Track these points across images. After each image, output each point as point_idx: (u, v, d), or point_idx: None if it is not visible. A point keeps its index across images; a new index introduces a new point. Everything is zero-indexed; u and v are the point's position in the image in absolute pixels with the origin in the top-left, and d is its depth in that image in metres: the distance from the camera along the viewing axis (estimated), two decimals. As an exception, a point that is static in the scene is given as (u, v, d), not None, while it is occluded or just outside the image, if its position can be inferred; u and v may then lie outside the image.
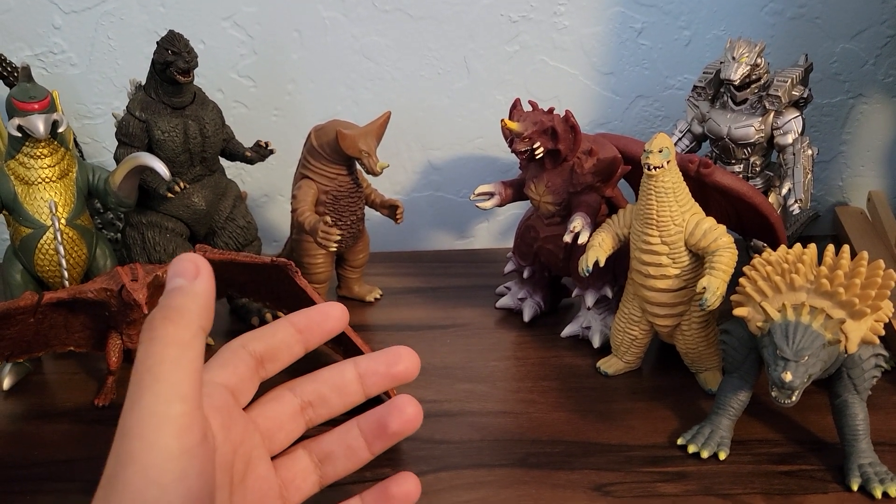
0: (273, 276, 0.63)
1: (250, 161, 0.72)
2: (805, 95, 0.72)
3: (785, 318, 0.52)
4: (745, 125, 0.71)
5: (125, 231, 0.70)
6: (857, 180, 0.91)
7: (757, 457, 0.58)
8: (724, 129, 0.72)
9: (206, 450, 0.32)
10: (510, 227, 0.91)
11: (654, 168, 0.57)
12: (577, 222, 0.65)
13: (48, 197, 0.63)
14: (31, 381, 0.67)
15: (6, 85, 0.76)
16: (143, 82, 0.68)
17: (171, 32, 0.64)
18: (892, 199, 0.90)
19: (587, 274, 0.63)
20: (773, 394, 0.52)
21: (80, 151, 0.81)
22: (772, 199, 0.73)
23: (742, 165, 0.73)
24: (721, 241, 0.59)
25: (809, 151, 0.71)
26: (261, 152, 0.72)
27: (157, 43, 0.64)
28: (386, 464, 0.55)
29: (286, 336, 0.39)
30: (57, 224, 0.63)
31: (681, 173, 0.60)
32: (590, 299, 0.69)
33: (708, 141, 0.75)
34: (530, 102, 0.68)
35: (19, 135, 0.61)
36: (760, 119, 0.71)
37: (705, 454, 0.57)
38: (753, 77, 0.70)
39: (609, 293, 0.69)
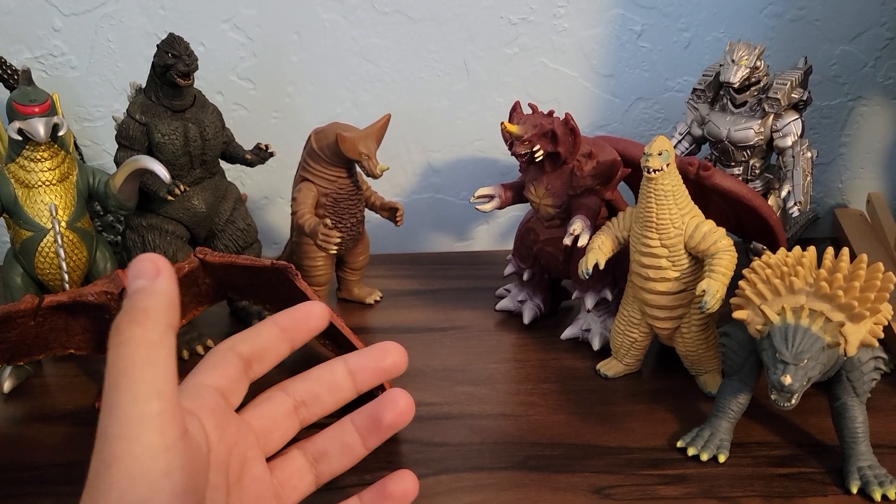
0: (273, 278, 0.63)
1: (250, 164, 0.72)
2: (804, 98, 0.72)
3: (784, 321, 0.52)
4: (745, 128, 0.71)
5: (125, 234, 0.70)
6: (857, 182, 0.91)
7: (756, 459, 0.58)
8: (723, 131, 0.72)
9: (189, 444, 0.32)
10: (510, 229, 0.91)
11: (654, 171, 0.57)
12: (577, 225, 0.65)
13: (48, 200, 0.63)
14: (31, 384, 0.67)
15: (6, 88, 0.76)
16: (144, 85, 0.68)
17: (171, 35, 0.64)
18: (892, 201, 0.90)
19: (587, 276, 0.63)
20: (773, 397, 0.52)
21: (80, 154, 0.81)
22: (771, 201, 0.73)
23: (741, 168, 0.73)
24: (720, 243, 0.59)
25: (809, 154, 0.71)
26: (261, 155, 0.72)
27: (158, 46, 0.64)
28: (385, 466, 0.55)
29: (271, 336, 0.39)
30: (57, 227, 0.63)
31: (680, 176, 0.60)
32: (590, 302, 0.70)
33: (707, 143, 0.75)
34: (530, 105, 0.68)
35: (20, 138, 0.61)
36: (760, 121, 0.71)
37: (705, 457, 0.57)
38: (753, 80, 0.70)
39: (609, 296, 0.70)
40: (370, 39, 0.83)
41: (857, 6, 0.82)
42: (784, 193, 0.70)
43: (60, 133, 0.62)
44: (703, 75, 0.74)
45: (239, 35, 0.82)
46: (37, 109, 0.61)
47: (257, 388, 0.40)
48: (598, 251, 0.63)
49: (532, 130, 0.65)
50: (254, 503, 0.37)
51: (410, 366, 0.67)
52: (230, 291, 0.69)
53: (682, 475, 0.56)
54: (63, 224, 0.63)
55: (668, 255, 0.60)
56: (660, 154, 0.57)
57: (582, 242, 0.64)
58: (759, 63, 0.69)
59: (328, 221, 0.69)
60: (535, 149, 0.65)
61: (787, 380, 0.50)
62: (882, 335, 0.54)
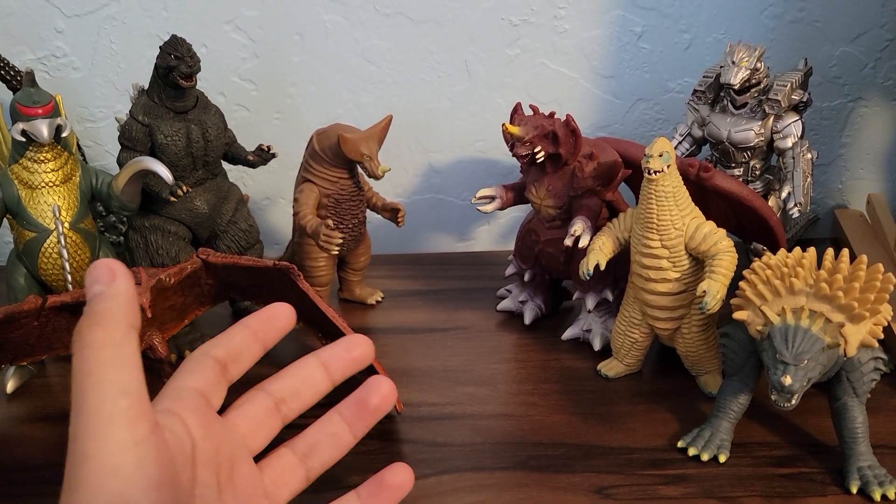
0: (275, 279, 0.63)
1: (252, 165, 0.72)
2: (805, 99, 0.72)
3: (784, 322, 0.52)
4: (745, 129, 0.71)
5: (128, 234, 0.71)
6: (857, 183, 0.91)
7: (757, 459, 0.58)
8: (724, 132, 0.72)
9: (162, 438, 0.33)
10: (511, 229, 0.92)
11: (655, 172, 0.58)
12: (578, 226, 0.65)
13: (52, 201, 0.63)
14: (34, 384, 0.67)
15: (9, 89, 0.76)
16: (146, 86, 0.68)
17: (173, 37, 0.65)
18: (892, 201, 0.90)
19: (588, 277, 0.63)
20: (773, 397, 0.52)
21: (83, 155, 0.81)
22: (771, 202, 0.73)
23: (742, 169, 0.73)
24: (721, 244, 0.59)
25: (809, 155, 0.71)
26: (263, 156, 0.72)
27: (160, 48, 0.64)
28: (386, 466, 0.56)
29: (243, 338, 0.40)
30: (60, 228, 0.63)
31: (681, 177, 0.60)
32: (590, 302, 0.70)
33: (708, 144, 0.75)
34: (531, 107, 0.68)
35: (23, 139, 0.61)
36: (760, 123, 0.71)
37: (705, 457, 0.57)
38: (753, 81, 0.70)
39: (610, 296, 0.70)
40: (372, 41, 0.83)
41: (857, 8, 0.82)
42: (784, 194, 0.70)
43: (64, 134, 0.62)
44: (704, 77, 0.74)
45: (241, 36, 0.82)
46: (40, 111, 0.61)
47: (235, 393, 0.41)
48: (599, 252, 0.63)
49: (533, 132, 0.65)
50: (247, 500, 0.38)
51: (412, 366, 0.69)
52: (232, 292, 0.69)
53: (682, 475, 0.57)
54: (66, 225, 0.64)
55: (668, 256, 0.60)
56: (660, 155, 0.57)
57: (583, 243, 0.65)
58: (759, 65, 0.69)
59: (330, 222, 0.69)
60: (536, 150, 0.66)
61: (788, 380, 0.51)
62: (882, 336, 0.55)
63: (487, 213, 0.72)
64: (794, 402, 0.52)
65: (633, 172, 0.67)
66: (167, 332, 0.66)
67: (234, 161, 0.72)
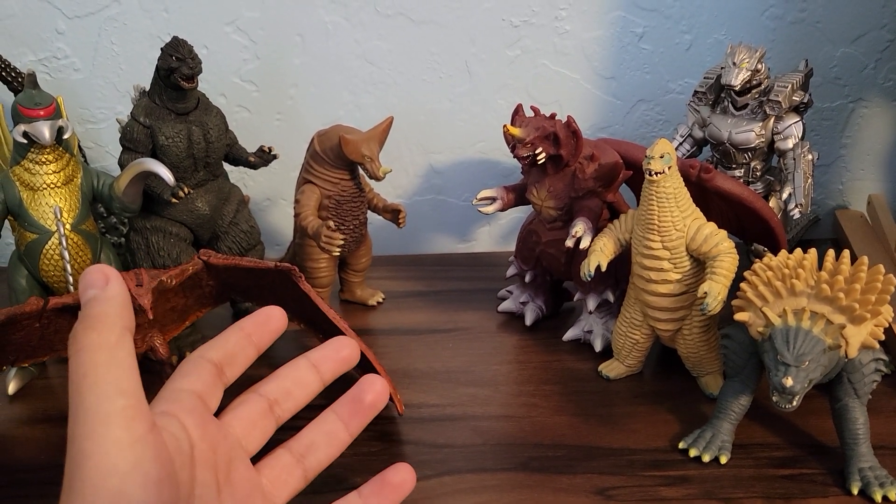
0: (277, 280, 0.63)
1: (254, 166, 0.72)
2: (805, 100, 0.72)
3: (785, 324, 0.52)
4: (746, 130, 0.71)
5: (129, 236, 0.71)
6: (858, 184, 0.91)
7: (758, 461, 0.58)
8: (724, 133, 0.72)
9: (159, 437, 0.33)
10: (512, 230, 0.92)
11: (656, 173, 0.58)
12: (579, 227, 0.65)
13: (53, 202, 0.63)
14: (35, 386, 0.67)
15: (11, 91, 0.76)
16: (147, 88, 0.68)
17: (175, 39, 0.65)
18: (892, 202, 0.90)
19: (589, 278, 0.63)
20: (774, 399, 0.52)
21: (84, 156, 0.81)
22: (772, 203, 0.73)
23: (743, 170, 0.74)
24: (722, 246, 0.59)
25: (810, 156, 0.71)
26: (264, 157, 0.72)
27: (162, 49, 0.64)
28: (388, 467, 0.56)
29: (238, 341, 0.41)
30: (62, 229, 0.63)
31: (682, 178, 0.60)
32: (591, 303, 0.70)
33: (709, 145, 0.75)
34: (532, 108, 0.68)
35: (25, 141, 0.61)
36: (761, 124, 0.71)
37: (707, 458, 0.57)
38: (754, 82, 0.70)
39: (611, 297, 0.70)
40: (372, 42, 0.83)
41: (857, 8, 0.82)
42: (785, 196, 0.70)
43: (65, 136, 0.63)
44: (705, 78, 0.74)
45: (242, 37, 0.82)
46: (42, 113, 0.61)
47: (230, 397, 0.41)
48: (600, 253, 0.63)
49: (534, 133, 0.65)
50: (245, 500, 0.38)
51: (413, 367, 0.69)
52: (233, 293, 0.69)
53: (683, 476, 0.57)
54: (68, 226, 0.64)
55: (669, 258, 0.61)
56: (661, 157, 0.58)
57: (584, 244, 0.65)
58: (760, 66, 0.69)
59: (331, 223, 0.69)
60: (537, 151, 0.66)
61: (789, 382, 0.51)
62: (883, 337, 0.55)
63: (488, 214, 0.72)
64: (795, 403, 0.52)
65: (634, 174, 0.67)
66: (168, 333, 0.66)
67: (235, 162, 0.72)
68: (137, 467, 0.31)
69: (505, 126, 0.66)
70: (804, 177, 0.70)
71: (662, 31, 0.83)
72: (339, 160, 0.70)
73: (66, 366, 0.69)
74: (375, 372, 0.61)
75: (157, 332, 0.64)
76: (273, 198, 0.90)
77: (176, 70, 0.64)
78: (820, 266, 0.58)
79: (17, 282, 0.65)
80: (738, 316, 0.56)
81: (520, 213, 0.86)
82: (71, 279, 0.64)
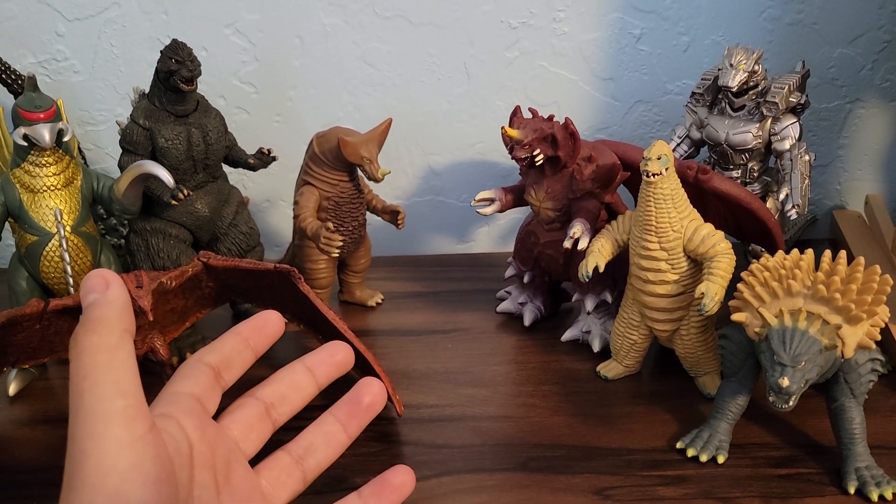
0: (276, 282, 0.64)
1: (253, 168, 0.73)
2: (802, 101, 0.72)
3: (782, 324, 0.53)
4: (743, 131, 0.72)
5: (129, 238, 0.71)
6: (855, 184, 0.92)
7: (755, 460, 0.58)
8: (722, 134, 0.72)
9: (158, 437, 0.33)
10: (510, 231, 0.92)
11: (653, 175, 0.58)
12: (577, 228, 0.65)
13: (53, 205, 0.63)
14: (36, 387, 0.68)
15: (11, 93, 0.76)
16: (147, 90, 0.68)
17: (174, 41, 0.65)
18: (890, 202, 0.91)
19: (587, 279, 0.63)
20: (771, 399, 0.52)
21: (84, 158, 0.81)
22: (770, 204, 0.73)
23: (740, 171, 0.74)
24: (719, 246, 0.60)
25: (807, 157, 0.71)
26: (263, 159, 0.72)
27: (161, 52, 0.65)
28: (389, 468, 0.56)
29: (235, 345, 0.42)
30: (62, 231, 0.63)
31: (679, 180, 0.60)
32: (590, 304, 0.70)
33: (706, 147, 0.76)
34: (530, 110, 0.68)
35: (25, 143, 0.62)
36: (758, 125, 0.71)
37: (704, 458, 0.58)
38: (751, 84, 0.70)
39: (609, 298, 0.70)
40: (371, 44, 0.83)
41: (854, 9, 0.82)
42: (782, 196, 0.70)
43: (65, 138, 0.63)
44: (702, 79, 0.74)
45: (241, 39, 0.82)
46: (42, 115, 0.61)
47: (227, 401, 0.41)
48: (598, 254, 0.63)
49: (532, 135, 0.66)
50: (244, 501, 0.38)
51: (412, 368, 0.69)
52: (233, 294, 0.69)
53: (681, 476, 0.57)
54: (68, 228, 0.64)
55: (667, 258, 0.61)
56: (659, 158, 0.58)
57: (582, 245, 0.65)
58: (757, 67, 0.70)
59: (330, 225, 0.69)
60: (535, 153, 0.66)
61: (785, 382, 0.51)
62: (879, 337, 0.55)
63: (487, 215, 0.72)
64: (791, 403, 0.52)
65: (632, 175, 0.68)
66: (168, 334, 0.66)
67: (234, 164, 0.73)
68: (137, 466, 0.32)
69: (503, 128, 0.66)
70: (801, 177, 0.70)
71: (660, 32, 0.83)
72: (338, 162, 0.70)
73: (66, 367, 0.69)
74: (375, 373, 0.61)
75: (158, 334, 0.64)
76: (272, 199, 0.91)
77: (175, 72, 0.64)
78: (817, 267, 0.58)
79: (17, 283, 0.66)
80: (735, 316, 0.57)
81: (518, 214, 0.87)
82: (71, 281, 0.64)
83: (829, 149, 0.89)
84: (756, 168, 0.74)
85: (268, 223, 0.91)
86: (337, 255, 0.70)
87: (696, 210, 0.62)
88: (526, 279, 0.74)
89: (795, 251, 0.59)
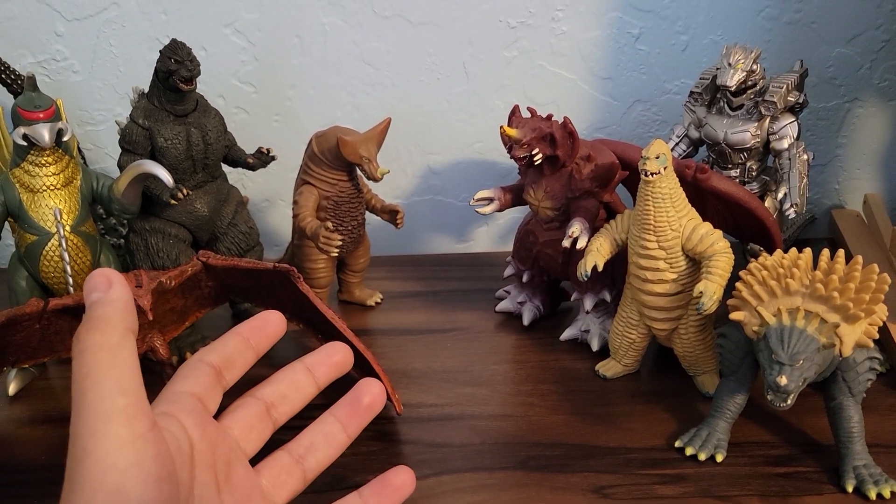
0: (275, 281, 0.64)
1: (252, 167, 0.73)
2: (800, 101, 0.73)
3: (780, 323, 0.53)
4: (742, 130, 0.72)
5: (129, 237, 0.71)
6: (854, 183, 0.92)
7: (753, 459, 0.58)
8: (720, 134, 0.72)
9: (159, 435, 0.33)
10: (510, 230, 0.92)
11: (651, 174, 0.58)
12: (576, 227, 0.65)
13: (53, 204, 0.64)
14: (36, 387, 0.68)
15: (10, 93, 0.76)
16: (146, 90, 0.68)
17: (173, 41, 0.65)
18: (888, 201, 0.91)
19: (586, 278, 0.63)
20: (769, 397, 0.52)
21: (83, 158, 0.81)
22: (768, 203, 0.73)
23: (738, 170, 0.74)
24: (717, 245, 0.60)
25: (805, 156, 0.71)
26: (262, 159, 0.73)
27: (160, 52, 0.65)
28: (388, 467, 0.56)
29: (236, 344, 0.42)
30: (62, 231, 0.64)
31: (678, 179, 0.60)
32: (588, 303, 0.70)
33: (705, 146, 0.76)
34: (529, 109, 0.68)
35: (25, 143, 0.62)
36: (756, 124, 0.72)
37: (703, 456, 0.58)
38: (749, 83, 0.70)
39: (607, 297, 0.70)
40: (370, 43, 0.83)
41: (853, 9, 0.83)
42: (780, 196, 0.70)
43: (65, 138, 0.63)
44: (700, 78, 0.74)
45: (240, 39, 0.82)
46: (41, 115, 0.61)
47: (227, 401, 0.41)
48: (597, 253, 0.63)
49: (531, 134, 0.66)
50: (245, 500, 0.38)
51: (411, 367, 0.69)
52: (232, 294, 0.70)
53: (680, 475, 0.57)
54: (67, 228, 0.64)
55: (665, 258, 0.61)
56: (657, 157, 0.58)
57: (580, 245, 0.65)
58: (755, 67, 0.70)
59: (329, 224, 0.69)
60: (533, 152, 0.66)
61: (783, 380, 0.51)
62: (877, 336, 0.55)
63: (486, 214, 0.72)
64: (789, 402, 0.52)
65: (631, 174, 0.68)
66: (168, 334, 0.66)
67: (233, 164, 0.73)
68: (137, 464, 0.32)
69: (502, 127, 0.67)
70: (799, 177, 0.70)
71: (659, 31, 0.84)
72: (338, 161, 0.71)
73: (66, 367, 0.69)
74: (374, 372, 0.61)
75: (157, 333, 0.64)
76: (272, 199, 0.91)
77: (174, 72, 0.64)
78: (815, 266, 0.58)
79: (17, 283, 0.66)
80: (734, 315, 0.57)
81: (517, 214, 0.87)
82: (71, 280, 0.64)
83: (827, 148, 0.89)
84: (754, 167, 0.74)
85: (267, 223, 0.91)
86: (336, 254, 0.70)
87: (694, 209, 0.62)
88: (525, 278, 0.74)
89: (793, 250, 0.59)
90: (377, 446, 0.60)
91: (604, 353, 0.70)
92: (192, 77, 0.65)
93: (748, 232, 0.71)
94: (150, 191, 0.67)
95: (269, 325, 0.43)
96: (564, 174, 0.68)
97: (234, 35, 0.82)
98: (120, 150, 0.68)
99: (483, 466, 0.58)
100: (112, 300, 0.35)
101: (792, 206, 0.69)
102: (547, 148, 0.66)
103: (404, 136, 0.87)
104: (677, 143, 0.77)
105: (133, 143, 0.67)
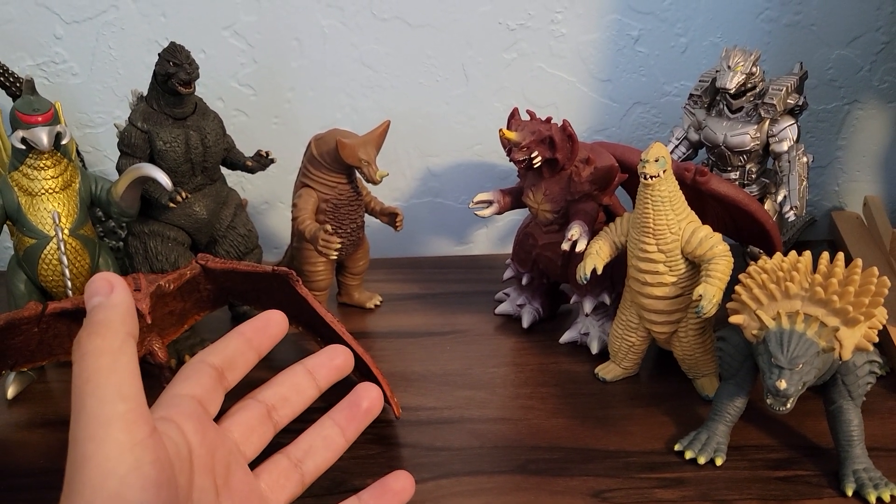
0: (274, 284, 0.64)
1: (251, 170, 0.73)
2: (800, 103, 0.72)
3: (780, 326, 0.53)
4: (741, 133, 0.72)
5: (127, 240, 0.71)
6: (853, 185, 0.92)
7: (753, 462, 0.58)
8: (720, 136, 0.72)
9: (159, 441, 0.33)
10: (509, 233, 0.92)
11: (651, 177, 0.58)
12: (575, 230, 0.65)
13: (51, 208, 0.64)
14: (34, 390, 0.68)
15: (9, 96, 0.76)
16: (145, 93, 0.68)
17: (172, 44, 0.65)
18: (888, 203, 0.91)
19: (585, 281, 0.63)
20: (769, 401, 0.52)
21: (82, 160, 0.81)
22: (768, 206, 0.73)
23: (738, 173, 0.74)
24: (717, 248, 0.60)
25: (804, 159, 0.71)
26: (261, 162, 0.73)
27: (159, 55, 0.65)
28: (388, 471, 0.56)
29: (238, 345, 0.42)
30: (60, 234, 0.64)
31: (677, 182, 0.60)
32: (588, 306, 0.70)
33: (704, 148, 0.76)
34: (528, 111, 0.68)
35: (23, 147, 0.62)
36: (756, 127, 0.71)
37: (702, 460, 0.58)
38: (749, 85, 0.70)
39: (607, 300, 0.70)
40: (369, 45, 0.83)
41: (852, 11, 0.83)
42: (780, 198, 0.70)
43: (63, 142, 0.63)
44: (700, 81, 0.74)
45: (239, 42, 0.82)
46: (40, 119, 0.61)
47: (228, 403, 0.41)
48: (596, 256, 0.63)
49: (530, 137, 0.66)
50: (244, 503, 0.38)
51: (410, 370, 0.69)
52: (231, 297, 0.69)
53: (679, 478, 0.57)
54: (66, 231, 0.64)
55: (665, 261, 0.61)
56: (656, 160, 0.58)
57: (580, 247, 0.65)
58: (754, 69, 0.70)
59: (328, 227, 0.69)
60: (533, 155, 0.66)
61: (783, 384, 0.51)
62: (877, 339, 0.55)
63: (485, 217, 0.72)
64: (789, 405, 0.52)
65: (630, 177, 0.68)
66: (167, 337, 0.66)
67: (232, 167, 0.73)
68: (136, 470, 0.32)
69: (501, 130, 0.67)
70: (799, 179, 0.70)
71: (658, 33, 0.83)
72: (337, 164, 0.71)
73: (64, 370, 0.69)
74: (373, 375, 0.61)
75: (156, 336, 0.64)
76: (271, 201, 0.91)
77: (173, 75, 0.64)
78: (815, 268, 0.58)
79: (15, 286, 0.66)
80: (733, 318, 0.57)
81: (516, 216, 0.87)
82: (69, 284, 0.64)
83: (827, 150, 0.89)
84: (754, 170, 0.74)
85: (266, 225, 0.91)
86: (335, 257, 0.70)
87: (693, 212, 0.62)
88: (524, 281, 0.74)
89: (793, 253, 0.59)
90: (376, 450, 0.60)
91: (603, 356, 0.70)
92: (190, 80, 0.65)
93: (748, 235, 0.71)
94: (148, 194, 0.67)
95: (271, 326, 0.43)
96: (564, 177, 0.68)
97: (232, 37, 0.82)
98: (119, 153, 0.68)
99: (482, 470, 0.58)
100: (114, 305, 0.35)
101: (792, 208, 0.69)
102: (546, 151, 0.66)
103: (403, 138, 0.87)
104: (677, 146, 0.76)
105: (132, 146, 0.67)
